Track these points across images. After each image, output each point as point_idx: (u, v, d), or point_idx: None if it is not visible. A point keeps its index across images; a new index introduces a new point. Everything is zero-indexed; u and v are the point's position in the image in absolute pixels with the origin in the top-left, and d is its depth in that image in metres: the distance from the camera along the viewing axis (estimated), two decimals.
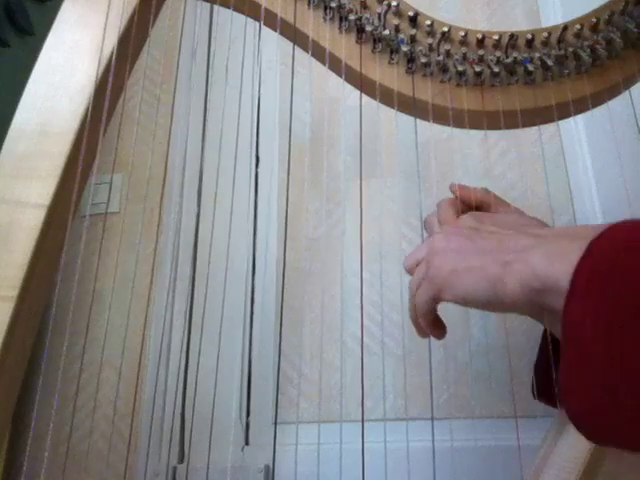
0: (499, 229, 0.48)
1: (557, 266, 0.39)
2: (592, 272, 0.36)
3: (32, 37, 1.15)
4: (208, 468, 0.93)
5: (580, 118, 1.08)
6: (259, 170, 1.21)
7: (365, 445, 0.64)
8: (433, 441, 0.53)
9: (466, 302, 0.45)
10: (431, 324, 0.52)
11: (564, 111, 0.65)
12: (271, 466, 0.99)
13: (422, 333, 0.54)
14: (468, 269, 0.44)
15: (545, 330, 0.71)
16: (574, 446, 0.50)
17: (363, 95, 0.65)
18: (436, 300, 0.48)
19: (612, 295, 0.35)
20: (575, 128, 1.10)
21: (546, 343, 0.71)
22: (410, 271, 0.55)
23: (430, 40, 0.63)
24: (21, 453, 1.00)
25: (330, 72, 0.65)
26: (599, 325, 0.34)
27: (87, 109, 0.58)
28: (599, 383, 0.35)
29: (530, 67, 0.64)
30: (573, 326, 0.36)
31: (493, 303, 0.44)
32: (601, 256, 0.37)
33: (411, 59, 0.63)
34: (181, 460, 1.03)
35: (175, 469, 1.02)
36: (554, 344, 0.68)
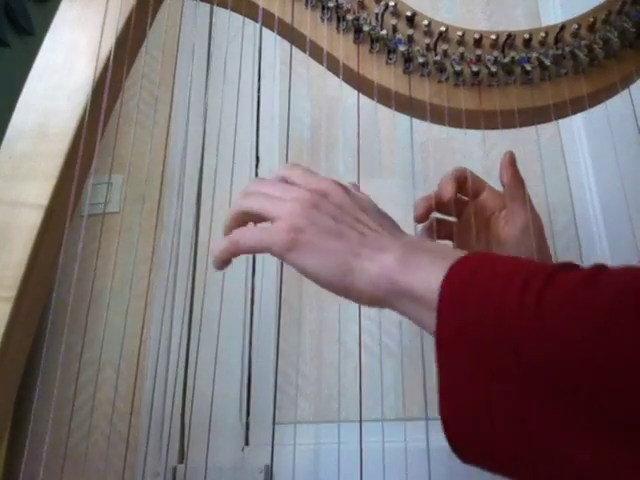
0: (364, 219, 0.47)
1: (410, 277, 0.41)
2: (458, 299, 0.37)
3: (32, 37, 1.15)
4: (208, 468, 0.94)
5: (580, 118, 1.08)
6: (259, 170, 1.21)
7: (364, 445, 0.64)
8: (427, 441, 0.53)
9: (305, 274, 0.45)
10: (227, 262, 0.49)
11: (562, 111, 0.66)
12: (271, 466, 0.99)
13: (219, 263, 0.49)
14: (324, 247, 0.44)
15: None
16: None
17: (362, 95, 0.65)
18: (269, 251, 0.46)
19: (476, 324, 0.36)
20: (575, 128, 1.10)
21: None
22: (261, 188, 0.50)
23: (427, 40, 0.64)
24: (20, 453, 1.00)
25: (329, 72, 0.65)
26: (468, 358, 0.36)
27: (85, 109, 0.58)
28: (468, 412, 0.36)
29: (527, 67, 0.64)
30: (445, 354, 0.37)
31: (337, 288, 0.44)
32: (463, 282, 0.38)
33: (408, 59, 0.64)
34: (181, 460, 1.03)
35: (175, 469, 1.02)
36: None
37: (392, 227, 0.48)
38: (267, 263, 1.13)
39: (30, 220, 0.54)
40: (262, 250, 0.47)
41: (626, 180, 0.83)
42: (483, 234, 0.68)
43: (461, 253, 0.41)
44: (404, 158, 1.10)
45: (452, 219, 0.68)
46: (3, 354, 0.51)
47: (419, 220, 0.67)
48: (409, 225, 1.07)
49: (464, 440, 0.36)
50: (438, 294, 0.38)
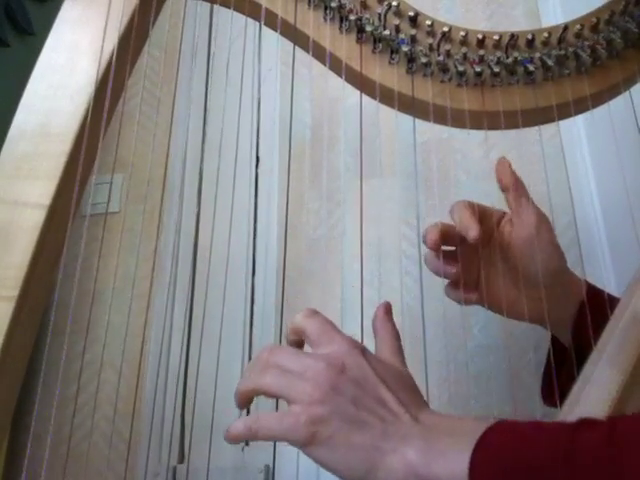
0: (384, 396, 0.45)
1: (435, 466, 0.40)
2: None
3: (32, 37, 1.15)
4: (208, 468, 0.93)
5: (580, 118, 1.08)
6: (259, 170, 1.21)
7: None
8: None
9: (326, 469, 0.43)
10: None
11: (564, 111, 0.66)
12: (271, 466, 0.99)
13: (231, 441, 0.47)
14: (346, 442, 0.42)
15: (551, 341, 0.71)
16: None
17: (363, 95, 0.65)
18: (285, 441, 0.44)
19: None
20: (575, 128, 1.10)
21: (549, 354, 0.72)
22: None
23: (430, 40, 0.63)
24: (21, 453, 1.00)
25: (330, 72, 0.65)
26: None
27: (87, 109, 0.58)
28: None
29: (530, 67, 0.64)
30: None
31: None
32: (491, 467, 0.38)
33: (411, 59, 0.63)
34: (181, 460, 1.03)
35: (175, 469, 1.02)
36: (557, 352, 0.69)
37: (412, 397, 0.47)
38: (267, 263, 1.13)
39: (32, 220, 0.54)
40: (280, 440, 0.45)
41: (627, 181, 0.83)
42: (485, 252, 0.69)
43: (482, 426, 0.40)
44: (405, 158, 1.10)
45: (451, 248, 0.69)
46: (5, 354, 0.51)
47: (431, 248, 0.67)
48: (409, 225, 1.07)
49: None
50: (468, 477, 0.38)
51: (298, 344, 0.51)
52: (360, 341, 0.74)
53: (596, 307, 0.61)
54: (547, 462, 0.36)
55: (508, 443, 0.39)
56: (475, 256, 0.69)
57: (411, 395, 0.47)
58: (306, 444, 0.43)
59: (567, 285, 0.68)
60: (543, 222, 0.67)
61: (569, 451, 0.36)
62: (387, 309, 0.54)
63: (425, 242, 0.67)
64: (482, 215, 0.67)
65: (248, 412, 1.04)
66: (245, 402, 0.49)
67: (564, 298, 0.67)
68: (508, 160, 0.67)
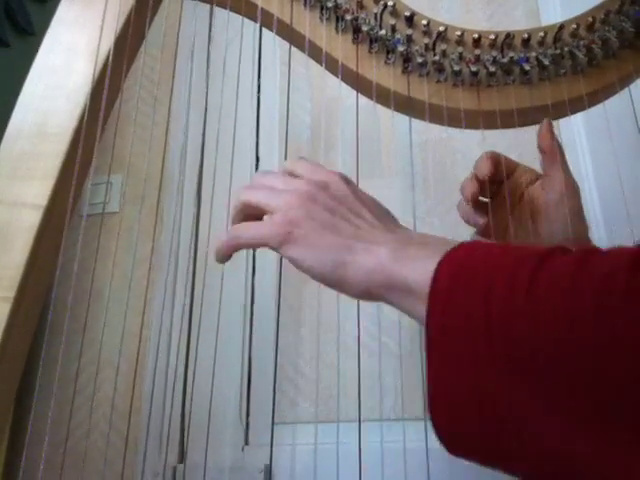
0: (360, 211, 0.47)
1: (403, 267, 0.41)
2: (450, 288, 0.38)
3: (32, 37, 1.15)
4: (208, 468, 0.94)
5: (579, 118, 1.08)
6: (259, 170, 1.21)
7: (363, 445, 0.64)
8: (427, 441, 0.53)
9: (300, 268, 0.45)
10: (228, 256, 0.50)
11: (560, 110, 0.66)
12: (271, 466, 0.99)
13: (220, 257, 0.50)
14: (318, 241, 0.45)
15: None
16: None
17: (361, 95, 0.65)
18: (265, 245, 0.47)
19: (468, 312, 0.36)
20: (574, 128, 1.10)
21: None
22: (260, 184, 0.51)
23: (426, 40, 0.64)
24: (20, 452, 1.00)
25: (328, 72, 0.65)
26: (459, 343, 0.36)
27: (84, 109, 0.58)
28: (460, 398, 0.36)
29: (526, 66, 0.64)
30: (435, 342, 0.37)
31: (329, 281, 0.44)
32: (455, 272, 0.38)
33: (407, 59, 0.64)
34: (181, 460, 1.03)
35: (175, 469, 1.02)
36: None
37: (391, 222, 0.49)
38: (267, 263, 1.13)
39: (29, 220, 0.54)
40: (260, 244, 0.47)
41: (625, 180, 0.83)
42: (517, 210, 0.70)
43: (455, 244, 0.41)
44: (403, 158, 1.10)
45: (486, 200, 0.69)
46: (3, 353, 0.51)
47: (468, 200, 0.68)
48: (408, 225, 1.07)
49: (453, 428, 0.37)
50: (430, 284, 0.38)
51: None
52: (358, 341, 0.74)
53: None
54: (512, 270, 0.36)
55: (479, 254, 0.39)
56: (505, 212, 0.69)
57: (388, 217, 0.49)
58: (281, 243, 0.45)
59: None
60: (570, 190, 0.67)
61: (536, 268, 0.35)
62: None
63: (462, 194, 0.69)
64: (510, 170, 0.69)
65: (248, 413, 1.04)
66: (235, 219, 0.51)
67: None
68: (551, 123, 0.67)
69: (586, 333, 0.32)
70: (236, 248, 0.49)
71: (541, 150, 0.68)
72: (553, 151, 0.67)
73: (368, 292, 0.43)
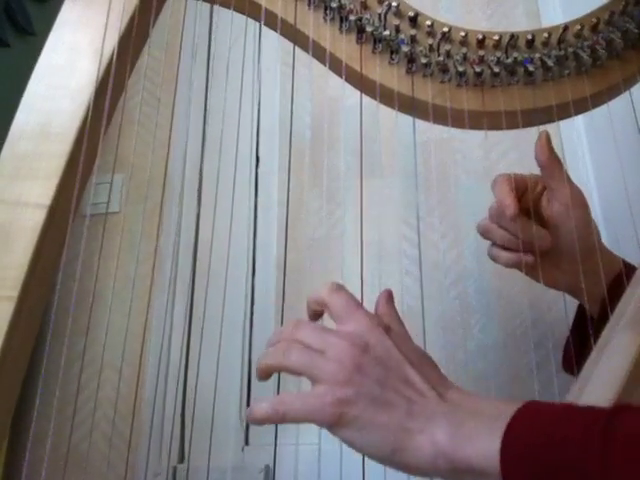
0: (409, 374, 0.45)
1: (465, 448, 0.39)
2: (519, 466, 0.37)
3: (32, 37, 1.15)
4: (208, 468, 0.93)
5: (580, 118, 1.08)
6: (259, 170, 1.21)
7: None
8: None
9: (354, 448, 0.43)
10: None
11: (564, 111, 0.66)
12: (271, 466, 0.99)
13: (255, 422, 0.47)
14: (373, 422, 0.42)
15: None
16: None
17: (364, 95, 0.65)
18: (314, 423, 0.44)
19: None
20: (575, 128, 1.10)
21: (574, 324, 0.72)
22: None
23: (430, 40, 0.63)
24: (21, 453, 1.00)
25: (331, 72, 0.65)
26: None
27: (87, 109, 0.58)
28: None
29: (530, 67, 0.64)
30: None
31: (388, 464, 0.43)
32: (522, 448, 0.37)
33: (411, 59, 0.63)
34: (181, 460, 1.03)
35: (175, 469, 1.02)
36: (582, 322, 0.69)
37: (437, 378, 0.47)
38: (267, 263, 1.13)
39: (32, 220, 0.54)
40: (305, 420, 0.45)
41: (627, 181, 0.83)
42: (534, 220, 0.69)
43: (510, 409, 0.40)
44: (405, 158, 1.10)
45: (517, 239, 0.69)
46: (5, 354, 0.51)
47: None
48: (409, 225, 1.07)
49: None
50: (499, 462, 0.37)
51: (318, 315, 0.52)
52: None
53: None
54: (582, 443, 0.35)
55: (539, 423, 0.38)
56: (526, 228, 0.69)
57: (435, 373, 0.47)
58: (332, 425, 0.43)
59: (598, 261, 0.68)
60: (576, 201, 0.68)
61: (607, 433, 0.34)
62: (389, 297, 0.54)
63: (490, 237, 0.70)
64: (521, 189, 0.69)
65: (248, 406, 1.04)
66: (266, 377, 0.49)
67: (594, 273, 0.67)
68: (549, 135, 0.68)
69: None
70: (277, 421, 0.46)
71: (539, 164, 0.68)
72: (551, 165, 0.67)
73: (433, 473, 0.42)
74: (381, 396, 0.43)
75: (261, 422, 0.46)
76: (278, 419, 0.45)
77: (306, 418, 0.44)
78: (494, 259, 0.71)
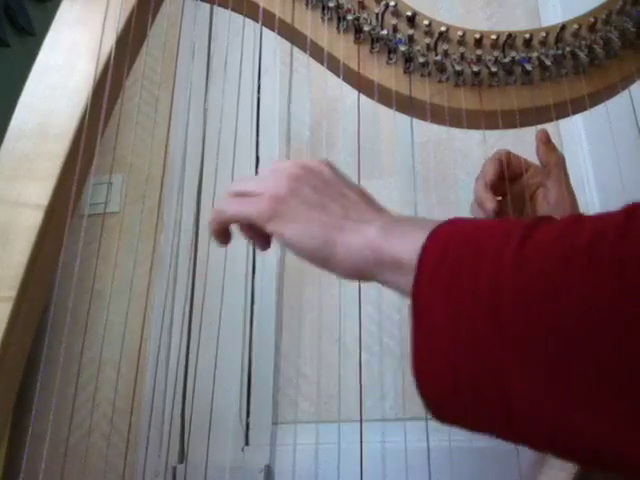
0: (347, 193, 0.47)
1: (392, 243, 0.41)
2: (438, 259, 0.38)
3: (32, 37, 1.15)
4: (208, 468, 0.94)
5: (580, 118, 1.08)
6: (259, 170, 1.21)
7: (364, 445, 0.64)
8: (428, 441, 0.53)
9: (286, 244, 0.45)
10: (221, 233, 0.51)
11: (562, 111, 0.66)
12: (271, 466, 0.99)
13: (214, 235, 0.51)
14: (305, 217, 0.44)
15: None
16: None
17: (363, 95, 0.65)
18: (252, 221, 0.47)
19: (456, 282, 0.36)
20: (575, 128, 1.10)
21: None
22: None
23: (428, 40, 0.63)
24: (21, 453, 1.00)
25: (329, 72, 0.65)
26: (447, 312, 0.36)
27: (86, 109, 0.58)
28: (447, 364, 0.36)
29: (528, 67, 0.64)
30: (423, 310, 0.37)
31: (316, 259, 0.44)
32: (444, 244, 0.38)
33: (409, 59, 0.63)
34: (181, 460, 1.03)
35: (175, 469, 1.02)
36: None
37: (376, 205, 0.48)
38: (267, 263, 1.13)
39: (30, 220, 0.54)
40: (245, 219, 0.47)
41: (626, 180, 0.83)
42: (526, 209, 0.71)
43: (444, 220, 0.41)
44: (404, 158, 1.10)
45: (498, 198, 0.70)
46: (4, 353, 0.51)
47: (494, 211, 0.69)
48: None
49: (441, 393, 0.36)
50: (417, 256, 0.38)
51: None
52: (359, 341, 0.74)
53: None
54: (500, 240, 0.36)
55: (465, 227, 0.39)
56: (516, 210, 0.71)
57: (374, 202, 0.48)
58: (267, 218, 0.45)
59: None
60: (562, 206, 0.69)
61: (523, 236, 0.35)
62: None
63: (483, 208, 0.70)
64: (521, 169, 0.70)
65: (248, 413, 1.04)
66: (218, 235, 0.51)
67: None
68: (547, 133, 0.69)
69: (573, 302, 0.31)
70: (222, 223, 0.49)
71: (540, 162, 0.70)
72: (549, 162, 0.69)
73: (357, 269, 0.43)
74: (318, 199, 0.45)
75: (211, 228, 0.50)
76: (220, 217, 0.49)
77: (244, 213, 0.47)
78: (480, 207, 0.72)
